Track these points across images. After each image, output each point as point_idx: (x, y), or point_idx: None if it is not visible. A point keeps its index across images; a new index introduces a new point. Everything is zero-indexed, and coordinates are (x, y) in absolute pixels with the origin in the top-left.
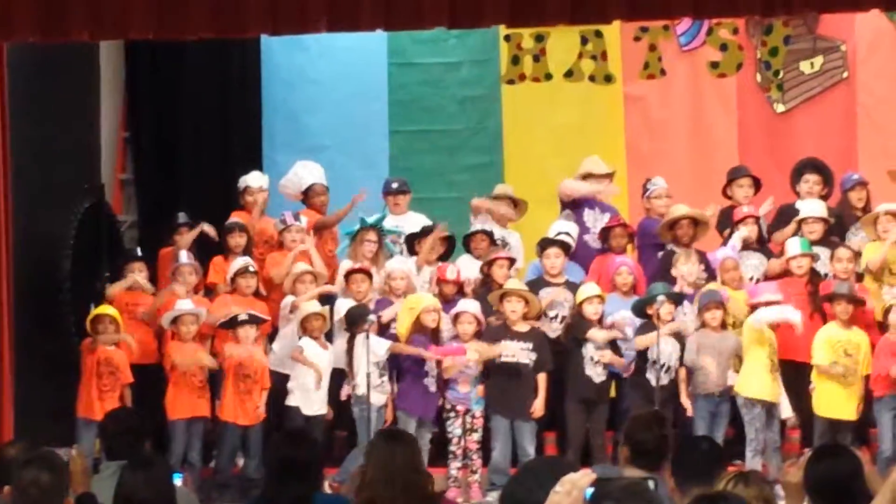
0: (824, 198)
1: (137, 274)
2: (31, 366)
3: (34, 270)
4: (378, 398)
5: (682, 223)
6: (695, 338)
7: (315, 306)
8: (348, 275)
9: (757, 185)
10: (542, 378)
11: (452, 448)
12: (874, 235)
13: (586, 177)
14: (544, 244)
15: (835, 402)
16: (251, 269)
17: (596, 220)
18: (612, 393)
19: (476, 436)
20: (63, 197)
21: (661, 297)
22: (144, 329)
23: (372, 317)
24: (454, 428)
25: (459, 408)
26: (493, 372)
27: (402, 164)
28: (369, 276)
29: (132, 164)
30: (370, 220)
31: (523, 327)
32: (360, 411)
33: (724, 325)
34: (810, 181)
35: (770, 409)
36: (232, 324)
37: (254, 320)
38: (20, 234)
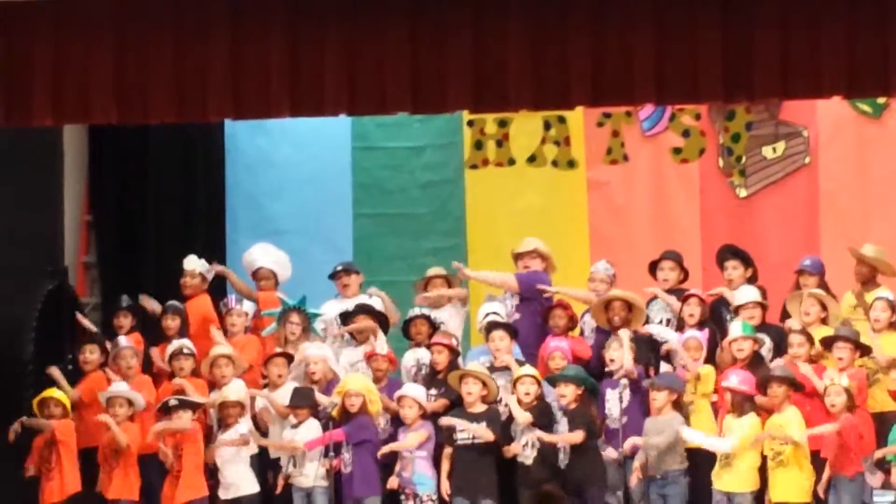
0: (749, 281)
1: (88, 355)
2: None
3: None
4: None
5: (613, 305)
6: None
7: (235, 393)
8: (268, 359)
9: (682, 271)
10: None
11: None
12: (797, 315)
13: (515, 258)
14: (490, 327)
15: (783, 485)
16: (186, 350)
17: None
18: None
19: None
20: (26, 280)
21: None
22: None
23: (336, 399)
24: None
25: (408, 490)
26: (452, 454)
27: (366, 247)
28: (289, 359)
29: (95, 247)
30: (291, 302)
31: (479, 408)
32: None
33: (678, 406)
34: (729, 267)
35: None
36: (166, 408)
37: (186, 405)
38: None
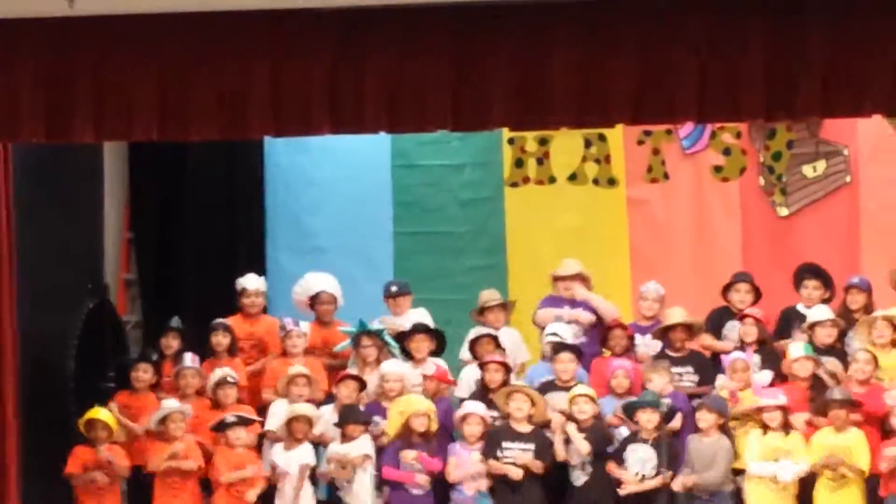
0: (826, 301)
1: (142, 374)
2: (36, 468)
3: (39, 371)
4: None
5: (676, 329)
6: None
7: (306, 409)
8: (339, 381)
9: (757, 293)
10: None
11: None
12: (868, 340)
13: (555, 280)
14: (557, 349)
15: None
16: (230, 379)
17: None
18: None
19: None
20: (67, 297)
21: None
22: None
23: (377, 418)
24: None
25: None
26: (498, 475)
27: (405, 265)
28: (360, 381)
29: (136, 265)
30: (372, 326)
31: (525, 428)
32: None
33: (723, 429)
34: (809, 286)
35: None
36: (221, 427)
37: (243, 422)
38: (25, 334)
